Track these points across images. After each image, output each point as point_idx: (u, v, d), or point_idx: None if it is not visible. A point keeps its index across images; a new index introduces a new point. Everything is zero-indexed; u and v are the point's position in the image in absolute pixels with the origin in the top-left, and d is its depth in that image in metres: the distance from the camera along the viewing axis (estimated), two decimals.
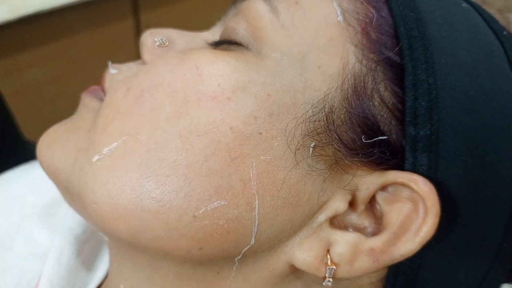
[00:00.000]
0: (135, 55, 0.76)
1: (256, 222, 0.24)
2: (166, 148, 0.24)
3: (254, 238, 0.24)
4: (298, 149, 0.24)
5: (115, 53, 0.82)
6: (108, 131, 0.25)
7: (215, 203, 0.23)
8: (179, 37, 0.29)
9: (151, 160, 0.24)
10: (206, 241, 0.24)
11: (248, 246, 0.24)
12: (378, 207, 0.25)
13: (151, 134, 0.24)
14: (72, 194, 0.26)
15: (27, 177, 0.40)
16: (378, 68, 0.24)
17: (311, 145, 0.24)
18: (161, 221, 0.23)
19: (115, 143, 0.24)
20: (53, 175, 0.27)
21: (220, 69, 0.24)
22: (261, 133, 0.24)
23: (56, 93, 0.80)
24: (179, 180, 0.23)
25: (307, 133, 0.24)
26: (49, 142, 0.28)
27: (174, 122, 0.24)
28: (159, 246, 0.24)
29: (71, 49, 0.79)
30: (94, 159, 0.25)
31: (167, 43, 0.29)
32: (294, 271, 0.26)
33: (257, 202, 0.24)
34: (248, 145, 0.23)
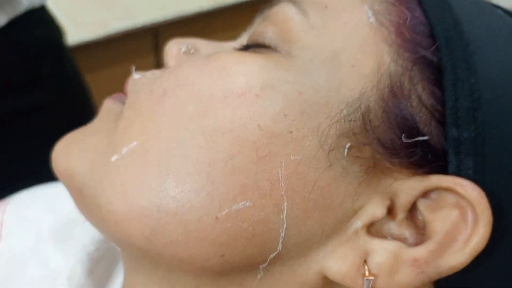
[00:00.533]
0: None
1: (284, 225, 0.22)
2: (188, 146, 0.22)
3: (282, 243, 0.22)
4: (332, 149, 0.22)
5: None
6: (128, 132, 0.24)
7: (240, 204, 0.22)
8: (205, 45, 0.29)
9: (171, 158, 0.22)
10: (228, 246, 0.22)
11: (275, 252, 0.22)
12: (419, 217, 0.23)
13: (173, 133, 0.23)
14: (85, 197, 0.25)
15: (43, 199, 0.38)
16: (414, 68, 0.23)
17: (346, 146, 0.22)
18: (179, 222, 0.22)
19: (135, 143, 0.23)
20: (67, 178, 0.26)
21: (248, 67, 0.24)
22: (291, 132, 0.22)
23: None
24: (201, 178, 0.22)
25: (342, 133, 0.22)
26: (66, 146, 0.26)
27: (198, 120, 0.23)
28: (175, 252, 0.22)
29: (92, 86, 0.81)
30: (113, 159, 0.23)
31: (192, 51, 0.28)
32: (326, 284, 0.24)
33: (285, 204, 0.22)
34: (277, 144, 0.22)
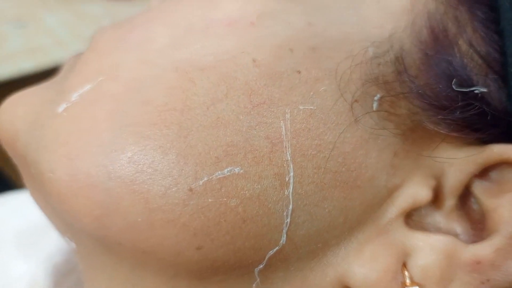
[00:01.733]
0: None
1: (290, 206, 0.15)
2: (155, 87, 0.16)
3: (286, 233, 0.15)
4: (356, 100, 0.16)
5: None
6: (82, 74, 0.18)
7: (225, 170, 0.15)
8: None
9: (130, 104, 0.16)
10: (207, 234, 0.15)
11: (276, 248, 0.16)
12: (474, 206, 0.17)
13: (135, 70, 0.17)
14: (29, 166, 0.18)
15: (13, 202, 0.33)
16: (460, 5, 0.17)
17: (376, 97, 0.16)
18: (138, 195, 0.15)
19: (88, 86, 0.17)
20: (10, 141, 0.19)
21: None
22: (299, 72, 0.16)
23: None
24: (170, 132, 0.15)
25: (369, 79, 0.16)
26: (12, 103, 0.20)
27: (170, 53, 0.17)
28: (136, 241, 0.16)
29: None
30: (60, 109, 0.17)
31: None
32: None
33: (291, 174, 0.15)
34: (279, 86, 0.16)
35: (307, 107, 0.16)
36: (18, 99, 0.20)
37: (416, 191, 0.16)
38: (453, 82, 0.16)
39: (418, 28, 0.17)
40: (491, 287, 0.15)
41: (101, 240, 0.17)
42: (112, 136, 0.16)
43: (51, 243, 0.29)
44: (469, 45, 0.17)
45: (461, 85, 0.16)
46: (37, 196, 0.20)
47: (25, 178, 0.20)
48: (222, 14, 0.17)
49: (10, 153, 0.20)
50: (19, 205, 0.32)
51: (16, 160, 0.20)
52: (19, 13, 0.69)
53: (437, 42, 0.17)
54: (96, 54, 0.18)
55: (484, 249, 0.15)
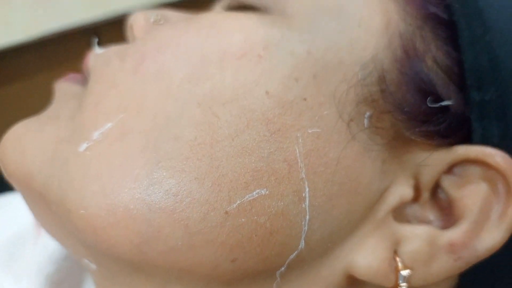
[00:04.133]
0: None
1: (307, 216, 0.18)
2: (181, 123, 0.18)
3: (304, 239, 0.18)
4: (352, 119, 0.19)
5: None
6: (99, 110, 0.19)
7: (254, 192, 0.17)
8: (176, 16, 0.24)
9: (160, 140, 0.18)
10: (242, 248, 0.18)
11: (296, 252, 0.18)
12: (442, 195, 0.21)
13: (159, 106, 0.18)
14: (50, 203, 0.19)
15: None
16: (425, 26, 0.20)
17: (366, 115, 0.19)
18: (179, 223, 0.17)
19: (109, 124, 0.18)
20: (23, 180, 0.20)
21: (242, 23, 0.20)
22: (305, 99, 0.18)
23: None
24: (203, 164, 0.17)
25: (361, 99, 0.19)
26: (16, 140, 0.20)
27: (190, 88, 0.18)
28: (174, 261, 0.18)
29: (24, 93, 0.73)
30: (82, 148, 0.18)
31: (162, 22, 0.24)
32: (352, 284, 0.20)
33: (307, 189, 0.18)
34: (290, 114, 0.18)
35: (315, 130, 0.18)
36: (22, 138, 0.20)
37: (402, 190, 0.20)
38: (427, 99, 0.19)
39: (394, 47, 0.20)
40: (462, 263, 0.19)
41: (135, 264, 0.18)
42: (148, 172, 0.17)
43: (37, 253, 0.28)
44: (434, 61, 0.20)
45: (432, 98, 0.20)
46: (56, 230, 0.21)
47: (41, 214, 0.21)
48: (230, 45, 0.19)
49: (23, 192, 0.21)
50: None
51: (28, 198, 0.21)
52: None
53: (409, 60, 0.20)
54: (109, 88, 0.19)
55: (455, 233, 0.19)
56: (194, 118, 0.18)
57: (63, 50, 0.74)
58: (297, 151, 0.18)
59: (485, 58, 0.20)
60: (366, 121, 0.19)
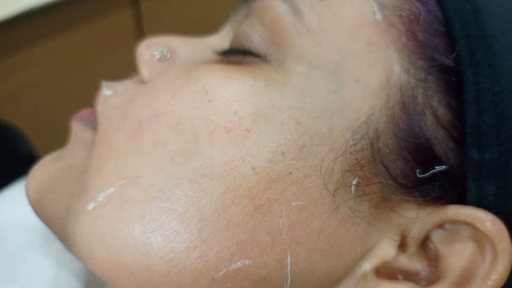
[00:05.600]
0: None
1: (289, 280, 0.20)
2: (173, 196, 0.19)
3: None
4: (338, 188, 0.19)
5: (115, 47, 0.77)
6: (103, 173, 0.21)
7: (238, 263, 0.19)
8: (182, 46, 0.25)
9: (155, 211, 0.19)
10: None
11: None
12: (431, 246, 0.21)
13: (154, 178, 0.20)
14: (69, 245, 0.22)
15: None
16: (429, 78, 0.20)
17: (353, 183, 0.19)
18: (173, 284, 0.19)
19: (112, 188, 0.20)
20: (46, 223, 0.23)
21: (235, 92, 0.20)
22: (291, 173, 0.19)
23: (55, 92, 0.76)
24: (192, 237, 0.19)
25: (348, 168, 0.19)
26: (38, 184, 0.24)
27: (182, 162, 0.20)
28: None
29: (68, 46, 0.75)
30: (90, 207, 0.20)
31: (168, 56, 0.24)
32: None
33: (289, 258, 0.19)
34: (275, 189, 0.19)
35: (298, 203, 0.19)
36: (42, 182, 0.23)
37: (386, 251, 0.20)
38: (417, 170, 0.19)
39: (392, 105, 0.19)
40: None
41: None
42: (145, 239, 0.19)
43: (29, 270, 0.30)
44: (434, 116, 0.19)
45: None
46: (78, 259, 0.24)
47: (66, 246, 0.23)
48: (220, 118, 0.20)
49: (49, 229, 0.24)
50: None
51: (55, 234, 0.24)
52: None
53: (406, 118, 0.19)
54: (110, 150, 0.21)
55: None
56: (185, 192, 0.19)
57: (99, 5, 0.75)
58: (281, 223, 0.19)
59: (490, 114, 0.19)
60: (353, 188, 0.19)
